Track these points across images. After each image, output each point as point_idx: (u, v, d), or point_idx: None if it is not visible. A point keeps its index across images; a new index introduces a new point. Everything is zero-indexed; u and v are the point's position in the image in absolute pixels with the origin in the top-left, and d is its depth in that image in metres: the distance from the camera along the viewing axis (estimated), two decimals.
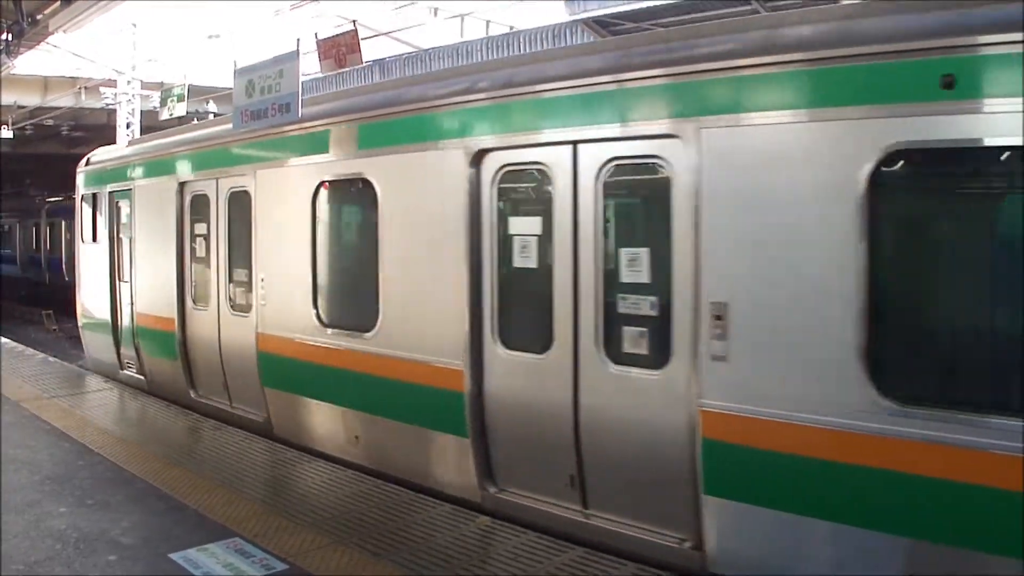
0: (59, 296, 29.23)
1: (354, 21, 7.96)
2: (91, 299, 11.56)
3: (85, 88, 22.24)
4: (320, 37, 8.55)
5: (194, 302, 9.06)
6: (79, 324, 12.21)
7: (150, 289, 9.89)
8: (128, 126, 20.51)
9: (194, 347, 9.08)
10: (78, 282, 11.96)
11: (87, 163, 11.72)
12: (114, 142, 20.97)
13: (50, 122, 24.93)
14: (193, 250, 9.06)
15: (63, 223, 29.06)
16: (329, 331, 6.97)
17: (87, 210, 11.51)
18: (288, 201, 7.42)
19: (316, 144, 7.06)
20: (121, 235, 10.58)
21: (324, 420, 7.16)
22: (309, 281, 7.16)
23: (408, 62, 17.60)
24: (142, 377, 10.21)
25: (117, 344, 10.74)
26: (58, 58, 19.59)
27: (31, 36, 11.61)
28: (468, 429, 5.74)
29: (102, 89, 20.75)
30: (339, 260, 7.37)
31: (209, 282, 8.75)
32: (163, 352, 9.57)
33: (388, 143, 6.41)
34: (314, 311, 7.12)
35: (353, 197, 7.07)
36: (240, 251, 8.30)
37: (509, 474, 5.72)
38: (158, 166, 9.71)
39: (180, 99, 15.86)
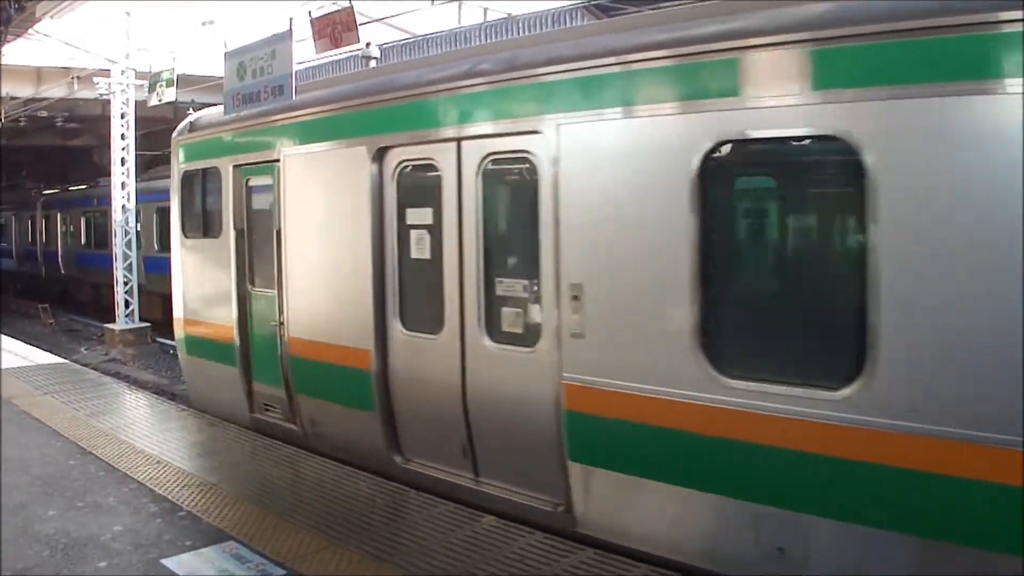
0: (55, 290, 29.27)
1: (350, 1, 7.73)
2: (201, 313, 8.78)
3: (78, 78, 21.97)
4: (314, 15, 8.31)
5: (406, 325, 6.45)
6: (177, 345, 9.48)
7: (315, 304, 7.26)
8: (123, 116, 20.22)
9: (406, 392, 6.47)
10: (176, 289, 9.20)
11: (190, 129, 8.97)
12: (108, 133, 20.72)
13: (44, 113, 24.68)
14: (404, 248, 6.46)
15: (59, 215, 29.00)
16: (735, 384, 4.51)
17: (193, 193, 8.80)
18: (632, 172, 4.97)
19: (705, 80, 4.68)
20: (256, 227, 8.00)
21: (703, 520, 4.79)
22: (687, 301, 4.66)
23: (405, 48, 17.33)
24: (293, 427, 7.60)
25: (248, 378, 8.17)
26: (51, 48, 19.32)
27: (19, 23, 11.36)
28: None
29: (95, 79, 20.46)
30: (761, 268, 5.00)
31: (442, 296, 6.09)
32: (343, 396, 6.98)
33: (898, 81, 3.98)
34: (699, 351, 4.64)
35: (800, 166, 4.77)
36: (510, 249, 5.93)
37: None
38: (332, 126, 6.96)
39: (169, 84, 15.59)
